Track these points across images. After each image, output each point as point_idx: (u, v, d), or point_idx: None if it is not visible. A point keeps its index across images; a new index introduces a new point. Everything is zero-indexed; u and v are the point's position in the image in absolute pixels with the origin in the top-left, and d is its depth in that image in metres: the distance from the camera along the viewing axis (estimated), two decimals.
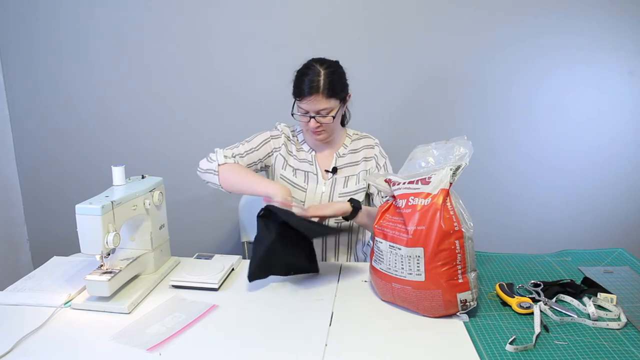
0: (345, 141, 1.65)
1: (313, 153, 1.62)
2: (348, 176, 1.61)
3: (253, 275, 1.30)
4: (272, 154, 1.61)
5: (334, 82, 1.46)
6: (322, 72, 1.44)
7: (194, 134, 2.25)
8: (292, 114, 1.53)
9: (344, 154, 1.63)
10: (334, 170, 1.60)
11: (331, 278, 1.37)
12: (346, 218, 1.44)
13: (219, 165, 1.49)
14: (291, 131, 1.66)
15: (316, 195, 1.58)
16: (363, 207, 1.46)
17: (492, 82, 2.16)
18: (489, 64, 2.14)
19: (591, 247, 1.59)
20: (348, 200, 1.45)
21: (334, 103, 1.47)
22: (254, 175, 1.48)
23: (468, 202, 1.16)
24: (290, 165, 1.61)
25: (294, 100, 1.52)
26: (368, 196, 1.64)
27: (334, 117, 1.49)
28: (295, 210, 1.34)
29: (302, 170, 1.61)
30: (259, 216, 1.32)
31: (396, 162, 1.36)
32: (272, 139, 1.62)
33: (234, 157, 1.53)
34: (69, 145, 2.30)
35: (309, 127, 1.51)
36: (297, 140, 1.65)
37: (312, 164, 1.61)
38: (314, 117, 1.47)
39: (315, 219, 1.40)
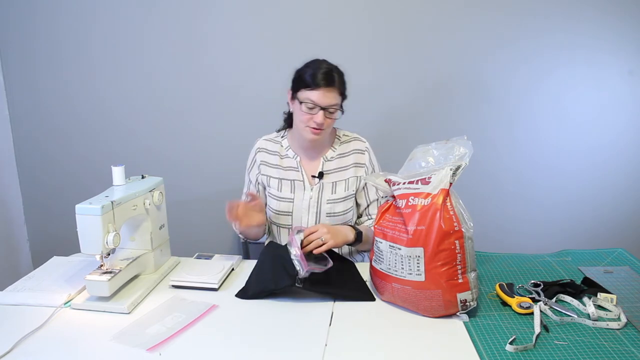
0: (334, 143, 1.61)
1: (298, 159, 1.59)
2: (336, 182, 1.58)
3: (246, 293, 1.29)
4: (259, 177, 1.63)
5: (344, 83, 1.49)
6: (334, 69, 1.47)
7: (194, 134, 2.25)
8: (297, 101, 1.47)
9: (331, 158, 1.59)
10: (320, 175, 1.57)
11: None
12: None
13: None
14: (273, 138, 1.64)
15: (304, 201, 1.57)
16: (363, 234, 1.47)
17: (492, 82, 2.16)
18: (489, 64, 2.14)
19: (591, 247, 1.59)
20: (350, 225, 1.49)
21: (340, 101, 1.48)
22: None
23: (468, 202, 1.17)
24: (274, 178, 1.60)
25: (292, 89, 1.49)
26: (358, 205, 1.64)
27: (336, 117, 1.48)
28: (298, 238, 1.31)
29: (288, 180, 1.59)
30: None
31: (396, 162, 1.35)
32: (253, 165, 1.64)
33: None
34: (69, 145, 2.30)
35: (314, 122, 1.44)
36: (282, 146, 1.62)
37: (298, 170, 1.59)
38: (323, 109, 1.43)
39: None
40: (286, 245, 1.32)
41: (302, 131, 1.50)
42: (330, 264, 1.26)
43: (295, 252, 1.24)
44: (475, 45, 2.12)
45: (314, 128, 1.46)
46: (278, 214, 1.59)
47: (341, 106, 1.49)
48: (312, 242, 1.31)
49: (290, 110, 1.55)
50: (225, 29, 2.13)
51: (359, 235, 1.45)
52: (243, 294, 1.28)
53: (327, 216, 1.57)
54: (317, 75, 1.42)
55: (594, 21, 2.08)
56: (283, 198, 1.58)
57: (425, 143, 1.27)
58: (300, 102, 1.45)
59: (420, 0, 2.08)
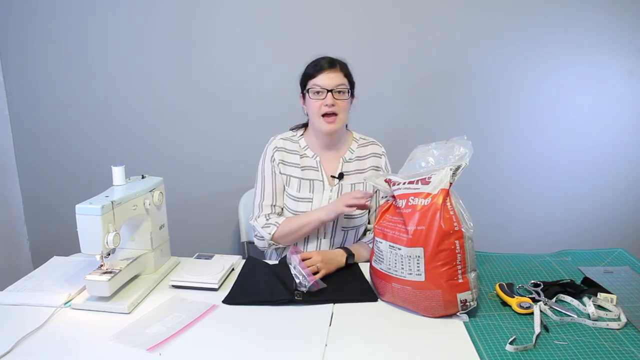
0: (351, 145, 1.62)
1: (318, 158, 1.59)
2: (355, 183, 1.59)
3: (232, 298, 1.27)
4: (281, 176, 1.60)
5: (347, 66, 1.55)
6: (335, 59, 1.53)
7: (194, 134, 2.25)
8: (307, 95, 1.52)
9: (350, 159, 1.60)
10: (340, 175, 1.58)
11: None
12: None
13: (271, 239, 1.54)
14: (290, 137, 1.63)
15: (323, 202, 1.56)
16: (356, 255, 1.46)
17: (492, 82, 2.16)
18: (489, 64, 2.14)
19: (591, 247, 1.59)
20: (342, 248, 1.47)
21: (347, 83, 1.52)
22: (300, 221, 1.51)
23: (468, 202, 1.16)
24: (294, 177, 1.58)
25: (302, 90, 1.54)
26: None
27: (346, 99, 1.51)
28: (297, 258, 1.31)
29: (307, 179, 1.57)
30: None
31: (396, 162, 1.35)
32: (272, 163, 1.59)
33: (268, 221, 1.55)
34: (69, 145, 2.30)
35: (325, 106, 1.47)
36: (300, 146, 1.61)
37: (318, 170, 1.58)
38: (331, 92, 1.47)
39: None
40: (281, 263, 1.36)
41: (317, 125, 1.52)
42: (324, 285, 1.28)
43: (299, 269, 1.27)
44: (475, 45, 2.12)
45: (326, 115, 1.49)
46: (296, 214, 1.57)
47: (351, 91, 1.53)
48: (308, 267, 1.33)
49: (305, 112, 1.58)
50: (225, 29, 2.13)
51: (350, 257, 1.44)
52: (231, 299, 1.25)
53: (345, 217, 1.56)
54: (319, 62, 1.50)
55: (594, 21, 2.08)
56: (302, 199, 1.56)
57: (425, 143, 1.27)
58: (309, 92, 1.50)
59: (420, 0, 2.08)
